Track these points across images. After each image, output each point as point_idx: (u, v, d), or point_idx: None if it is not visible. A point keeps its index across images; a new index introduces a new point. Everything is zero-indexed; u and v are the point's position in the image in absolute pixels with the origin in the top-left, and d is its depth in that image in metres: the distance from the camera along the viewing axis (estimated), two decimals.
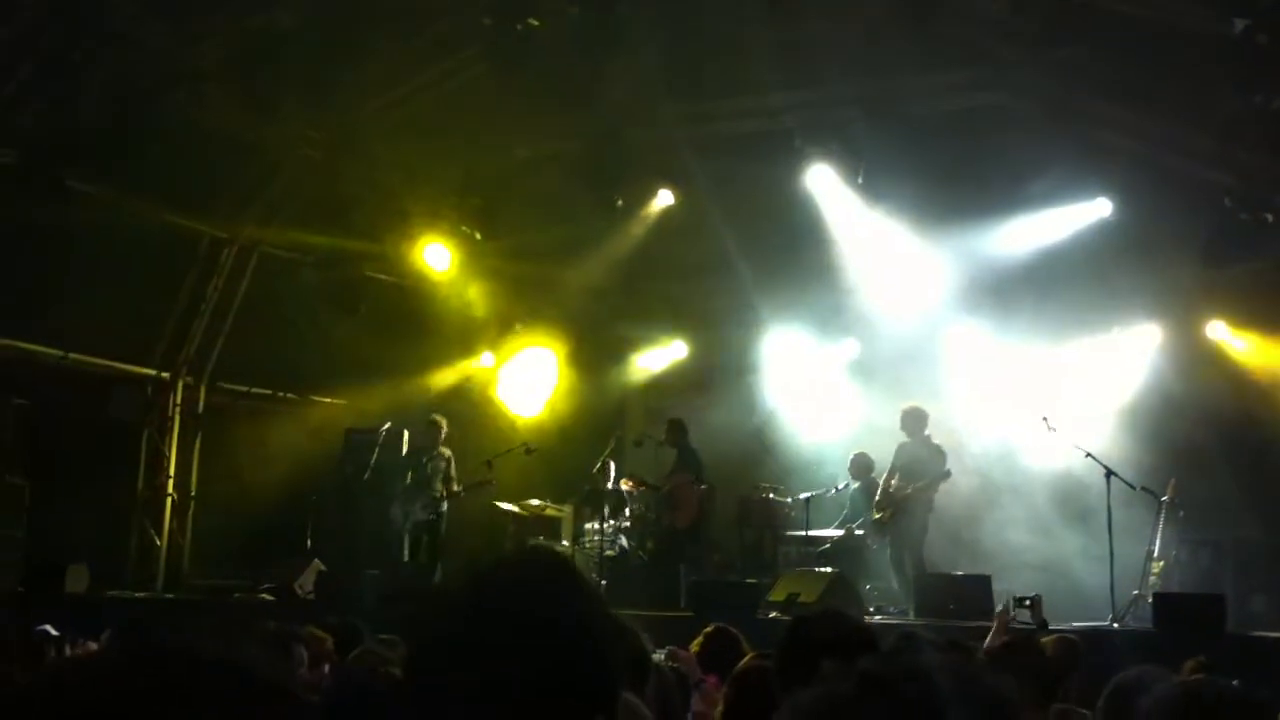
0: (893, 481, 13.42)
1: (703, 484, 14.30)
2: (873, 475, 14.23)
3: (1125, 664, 3.80)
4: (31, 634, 7.65)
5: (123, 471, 15.62)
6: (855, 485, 14.43)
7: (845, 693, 1.37)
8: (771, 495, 15.08)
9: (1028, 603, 7.60)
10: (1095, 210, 14.16)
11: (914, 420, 13.42)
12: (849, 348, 16.25)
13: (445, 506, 14.57)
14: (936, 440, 13.39)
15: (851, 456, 14.61)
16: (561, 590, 1.79)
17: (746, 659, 4.92)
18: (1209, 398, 13.45)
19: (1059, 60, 12.22)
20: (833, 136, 14.34)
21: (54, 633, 8.31)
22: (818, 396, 16.31)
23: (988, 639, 6.51)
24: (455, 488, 14.59)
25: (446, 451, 14.84)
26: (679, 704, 4.72)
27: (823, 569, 12.83)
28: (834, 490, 14.61)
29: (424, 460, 14.73)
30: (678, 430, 14.53)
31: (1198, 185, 13.08)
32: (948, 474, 12.96)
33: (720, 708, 4.26)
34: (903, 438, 13.54)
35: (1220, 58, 11.28)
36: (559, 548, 15.26)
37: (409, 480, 14.73)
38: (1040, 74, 12.74)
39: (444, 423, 14.95)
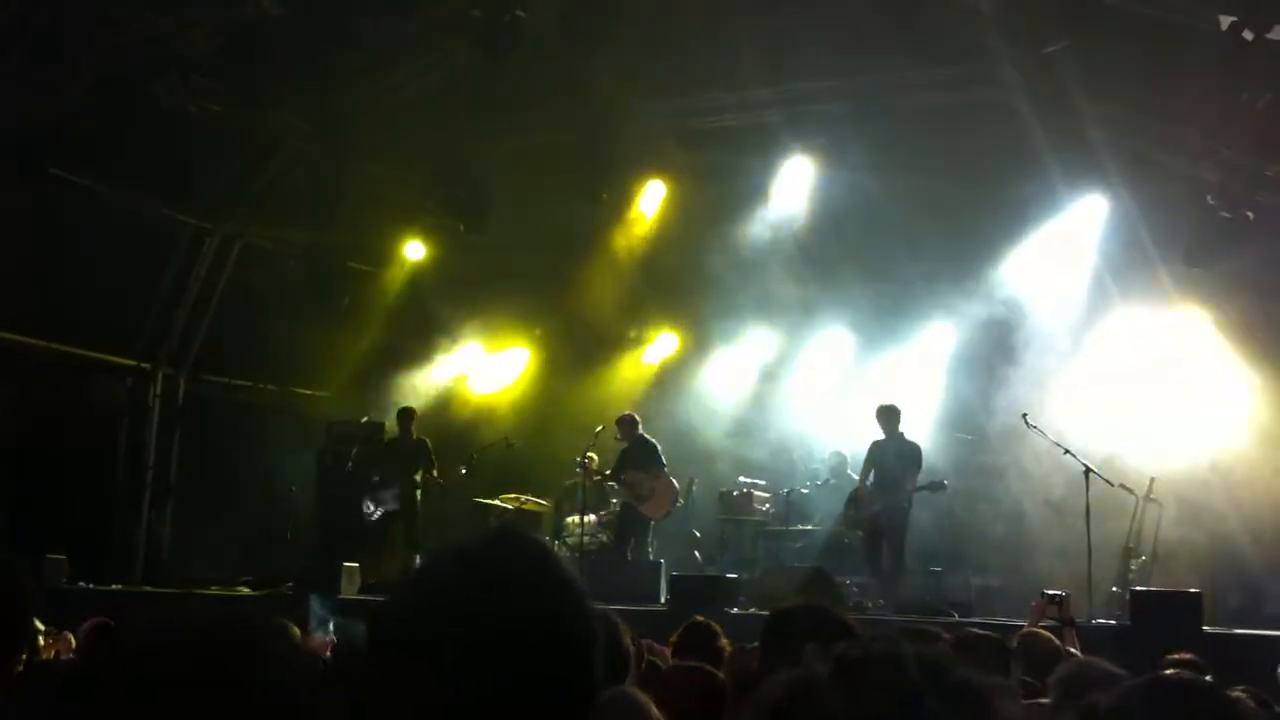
0: (868, 479, 13.41)
1: (671, 478, 14.34)
2: (848, 472, 14.31)
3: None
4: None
5: (103, 461, 15.54)
6: (832, 482, 14.53)
7: (820, 675, 1.38)
8: (753, 490, 15.10)
9: (1057, 599, 7.71)
10: (1091, 209, 14.22)
11: (889, 418, 13.40)
12: (831, 341, 16.23)
13: (420, 496, 14.59)
14: (911, 438, 13.40)
15: (829, 454, 14.75)
16: (544, 581, 1.65)
17: (729, 651, 4.99)
18: (1191, 393, 13.51)
19: (1048, 56, 12.24)
20: (818, 131, 14.36)
21: (41, 626, 8.26)
22: (802, 392, 16.30)
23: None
24: (435, 475, 14.60)
25: (421, 439, 14.90)
26: None
27: (802, 564, 12.85)
28: (814, 485, 14.70)
29: (396, 450, 14.74)
30: (631, 425, 14.48)
31: (1183, 181, 13.12)
32: (944, 485, 12.99)
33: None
34: (878, 435, 13.53)
35: (1207, 55, 11.32)
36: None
37: (381, 472, 14.74)
38: (1029, 69, 12.75)
39: (414, 412, 15.07)
